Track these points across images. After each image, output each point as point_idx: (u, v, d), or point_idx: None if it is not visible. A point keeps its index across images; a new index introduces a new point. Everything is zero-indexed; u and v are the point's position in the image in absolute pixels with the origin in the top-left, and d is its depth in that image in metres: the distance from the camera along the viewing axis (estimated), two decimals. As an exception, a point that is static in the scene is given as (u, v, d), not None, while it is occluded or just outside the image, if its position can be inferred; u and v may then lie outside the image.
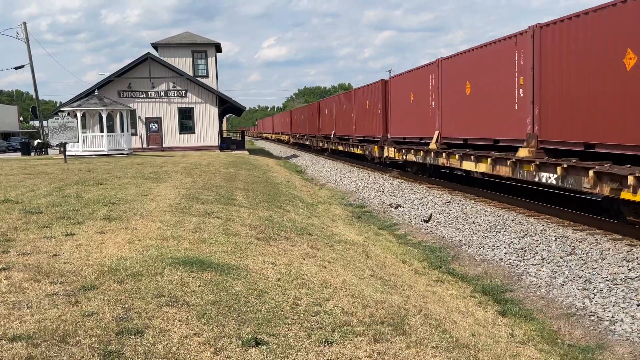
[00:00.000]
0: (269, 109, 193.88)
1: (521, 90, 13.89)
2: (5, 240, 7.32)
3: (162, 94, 39.77)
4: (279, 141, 78.97)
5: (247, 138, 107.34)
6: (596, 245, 10.49)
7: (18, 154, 40.81)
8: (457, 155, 16.94)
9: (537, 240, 11.49)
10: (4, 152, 54.10)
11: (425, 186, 21.04)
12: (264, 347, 4.32)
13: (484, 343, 5.71)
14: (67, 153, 25.80)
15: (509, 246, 11.57)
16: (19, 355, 3.86)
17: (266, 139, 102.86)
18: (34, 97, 47.83)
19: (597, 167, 10.63)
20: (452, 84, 17.89)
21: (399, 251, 11.27)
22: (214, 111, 40.45)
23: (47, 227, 8.32)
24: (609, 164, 10.60)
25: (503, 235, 12.43)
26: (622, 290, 8.32)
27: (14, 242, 7.27)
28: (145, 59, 38.72)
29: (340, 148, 34.68)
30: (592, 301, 8.21)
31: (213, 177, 17.94)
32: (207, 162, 25.62)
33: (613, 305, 7.91)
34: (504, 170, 14.22)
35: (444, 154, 18.07)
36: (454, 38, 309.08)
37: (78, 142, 28.13)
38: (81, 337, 4.22)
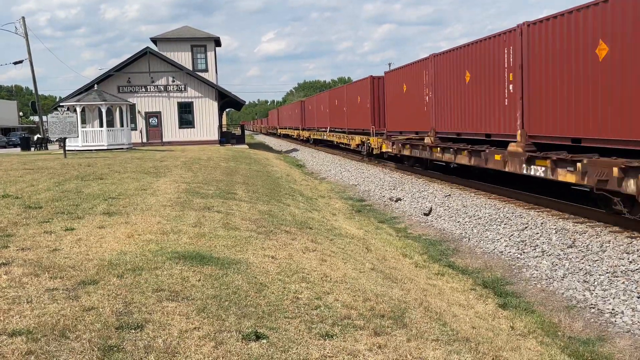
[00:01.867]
0: (268, 103, 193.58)
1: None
2: (5, 235, 7.32)
3: (162, 88, 39.69)
4: (317, 144, 45.79)
5: (250, 133, 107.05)
6: (596, 237, 10.49)
7: (18, 149, 40.77)
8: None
9: (537, 233, 11.49)
10: (4, 147, 54.06)
11: (425, 180, 21.02)
12: (264, 340, 4.32)
13: (485, 336, 5.71)
14: (66, 148, 25.76)
15: (510, 239, 11.56)
16: (19, 350, 3.85)
17: (287, 137, 65.44)
18: (33, 92, 47.75)
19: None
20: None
21: (399, 245, 11.26)
22: (214, 105, 40.38)
23: (47, 222, 8.31)
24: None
25: (503, 228, 12.42)
26: (623, 283, 8.32)
27: (14, 237, 7.26)
28: (145, 53, 38.62)
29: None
30: (592, 294, 8.21)
31: (213, 172, 17.92)
32: (207, 156, 25.60)
33: (613, 298, 7.91)
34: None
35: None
36: (453, 31, 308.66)
37: (78, 137, 28.10)
38: (81, 331, 4.21)
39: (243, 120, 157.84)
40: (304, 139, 50.96)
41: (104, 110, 30.88)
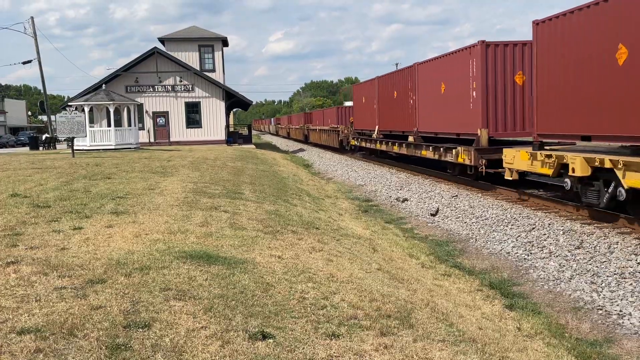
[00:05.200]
0: (275, 103, 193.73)
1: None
2: (14, 234, 7.37)
3: (169, 88, 39.81)
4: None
5: (257, 133, 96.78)
6: (604, 238, 10.44)
7: (26, 149, 41.03)
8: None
9: (544, 234, 11.45)
10: (13, 146, 54.44)
11: (432, 180, 20.99)
12: (271, 340, 4.33)
13: (491, 337, 5.70)
14: (74, 147, 25.88)
15: (517, 240, 11.53)
16: (28, 348, 3.88)
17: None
18: (42, 91, 48.02)
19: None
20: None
21: (405, 245, 11.25)
22: (221, 105, 40.46)
23: (55, 221, 8.36)
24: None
25: (510, 229, 12.38)
26: (631, 284, 8.28)
27: (23, 235, 7.32)
28: (152, 53, 38.76)
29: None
30: (600, 295, 8.17)
31: (220, 171, 17.96)
32: (214, 156, 25.65)
33: (621, 299, 7.87)
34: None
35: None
36: (462, 31, 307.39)
37: (86, 136, 28.22)
38: (89, 330, 4.24)
39: (255, 119, 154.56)
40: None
41: (111, 110, 31.01)
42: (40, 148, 39.00)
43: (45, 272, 5.62)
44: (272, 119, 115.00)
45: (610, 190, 10.92)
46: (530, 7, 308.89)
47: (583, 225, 11.63)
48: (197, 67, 40.36)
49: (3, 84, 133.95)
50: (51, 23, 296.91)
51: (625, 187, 10.25)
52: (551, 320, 7.33)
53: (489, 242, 11.86)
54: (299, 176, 23.03)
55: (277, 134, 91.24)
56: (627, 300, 7.82)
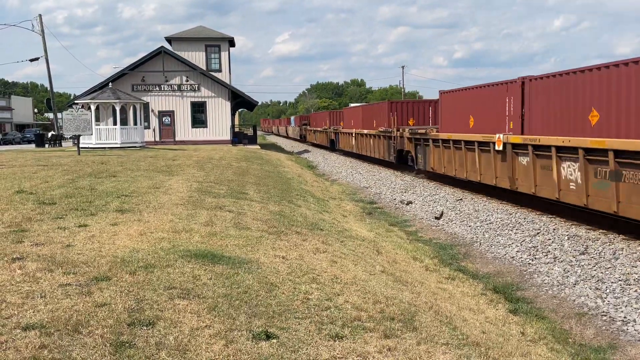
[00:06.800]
0: (280, 104, 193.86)
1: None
2: (20, 231, 7.40)
3: (175, 87, 39.89)
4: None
5: (262, 134, 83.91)
6: (609, 245, 10.41)
7: (32, 146, 41.20)
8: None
9: (549, 239, 11.42)
10: (19, 143, 54.69)
11: (436, 183, 20.96)
12: (275, 340, 4.33)
13: (495, 341, 5.68)
14: (80, 145, 25.99)
15: (521, 244, 11.50)
16: (32, 344, 3.90)
17: None
18: (48, 89, 48.20)
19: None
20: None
21: (409, 248, 11.24)
22: (227, 105, 40.52)
23: (60, 218, 8.39)
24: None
25: (515, 233, 12.36)
26: (635, 291, 8.25)
27: (28, 232, 7.34)
28: (159, 52, 38.84)
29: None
30: (604, 301, 8.14)
31: (225, 171, 17.98)
32: (219, 156, 25.68)
33: (626, 306, 7.84)
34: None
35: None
36: (469, 35, 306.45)
37: (91, 134, 28.30)
38: (93, 327, 4.25)
39: (264, 119, 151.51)
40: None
41: (117, 109, 31.09)
42: (46, 145, 39.15)
43: (51, 268, 5.64)
44: (293, 118, 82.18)
45: None
46: (537, 12, 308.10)
47: (588, 230, 11.60)
48: (204, 67, 40.41)
49: (10, 81, 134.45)
50: (59, 21, 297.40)
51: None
52: (555, 325, 7.31)
53: (493, 246, 11.83)
54: (304, 177, 23.03)
55: (303, 140, 64.51)
56: (631, 306, 7.79)
